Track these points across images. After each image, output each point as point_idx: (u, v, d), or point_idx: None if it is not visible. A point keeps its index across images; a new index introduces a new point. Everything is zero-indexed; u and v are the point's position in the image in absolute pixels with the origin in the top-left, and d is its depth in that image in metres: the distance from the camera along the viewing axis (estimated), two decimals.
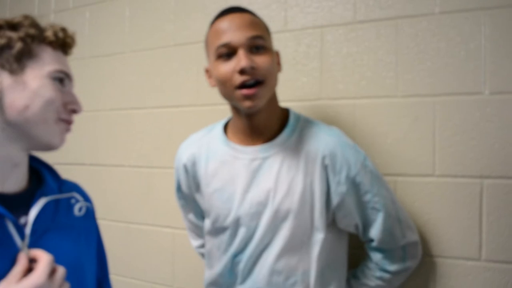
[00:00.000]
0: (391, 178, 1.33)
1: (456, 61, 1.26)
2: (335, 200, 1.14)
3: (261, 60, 1.08)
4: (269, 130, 1.18)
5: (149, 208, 1.79)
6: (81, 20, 1.98)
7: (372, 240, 1.19)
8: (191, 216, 1.40)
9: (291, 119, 1.20)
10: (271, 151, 1.16)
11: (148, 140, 1.79)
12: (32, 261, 0.76)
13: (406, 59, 1.32)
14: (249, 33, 1.08)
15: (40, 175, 0.92)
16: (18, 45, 0.82)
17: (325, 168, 1.14)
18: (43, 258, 0.75)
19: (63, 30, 0.90)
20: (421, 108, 1.30)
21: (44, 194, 0.87)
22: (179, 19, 1.72)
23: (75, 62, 1.99)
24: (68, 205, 0.94)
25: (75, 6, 2.01)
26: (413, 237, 1.21)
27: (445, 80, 1.28)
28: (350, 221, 1.17)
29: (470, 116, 1.25)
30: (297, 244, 1.14)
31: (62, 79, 0.87)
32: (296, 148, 1.16)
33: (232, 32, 1.08)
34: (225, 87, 1.10)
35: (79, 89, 1.95)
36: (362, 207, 1.16)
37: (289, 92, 1.47)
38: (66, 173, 1.99)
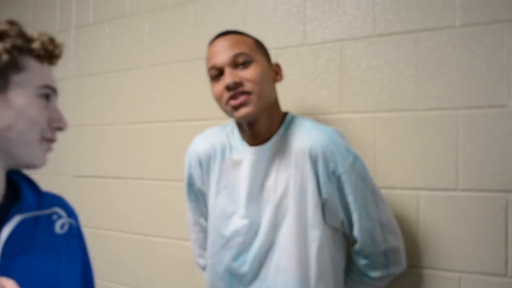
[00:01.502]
0: (413, 192, 1.32)
1: (478, 74, 1.25)
2: (324, 195, 1.17)
3: (246, 74, 1.15)
4: (270, 132, 1.23)
5: (168, 220, 1.79)
6: (101, 35, 2.01)
7: (356, 241, 1.21)
8: (203, 221, 1.39)
9: (287, 119, 1.25)
10: (269, 150, 1.21)
11: (167, 153, 1.80)
12: None
13: (427, 72, 1.31)
14: (231, 52, 1.16)
15: (18, 189, 0.85)
16: (4, 58, 0.75)
17: (314, 163, 1.16)
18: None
19: (52, 40, 0.83)
20: (442, 122, 1.29)
21: (20, 211, 0.80)
22: (198, 34, 1.73)
23: (95, 76, 2.04)
24: (48, 222, 0.87)
25: (95, 22, 2.04)
26: (395, 242, 1.22)
27: (467, 93, 1.26)
28: (335, 217, 1.20)
29: (493, 129, 1.23)
30: (295, 242, 1.17)
31: (48, 95, 0.82)
32: (288, 145, 1.20)
33: (218, 54, 1.18)
34: (220, 104, 1.20)
35: (99, 103, 2.00)
36: (345, 206, 1.18)
37: (308, 106, 1.47)
38: (85, 185, 2.02)
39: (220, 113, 1.67)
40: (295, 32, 1.51)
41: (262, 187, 1.21)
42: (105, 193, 1.97)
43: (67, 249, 0.89)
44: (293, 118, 1.25)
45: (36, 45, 0.80)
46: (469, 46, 1.27)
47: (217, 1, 1.69)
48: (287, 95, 1.47)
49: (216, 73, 1.18)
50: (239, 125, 1.25)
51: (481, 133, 1.25)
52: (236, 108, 1.14)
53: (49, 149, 0.84)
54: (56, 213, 0.89)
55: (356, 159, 1.18)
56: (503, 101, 1.22)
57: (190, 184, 1.36)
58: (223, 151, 1.28)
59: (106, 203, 1.96)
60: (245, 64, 1.16)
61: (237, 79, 1.14)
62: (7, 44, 0.76)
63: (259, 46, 1.23)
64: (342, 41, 1.44)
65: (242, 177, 1.23)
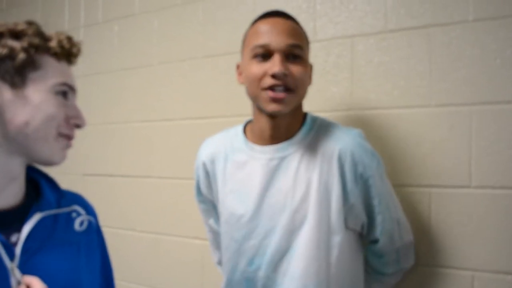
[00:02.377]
0: (425, 189, 1.30)
1: (492, 69, 1.23)
2: (350, 199, 1.13)
3: (295, 69, 1.09)
4: (289, 131, 1.17)
5: (177, 219, 1.79)
6: (110, 33, 2.01)
7: (374, 241, 1.19)
8: (212, 222, 1.38)
9: (308, 119, 1.20)
10: (288, 150, 1.15)
11: (176, 151, 1.80)
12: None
13: (440, 68, 1.30)
14: (289, 41, 1.08)
15: (39, 188, 0.88)
16: (21, 56, 0.77)
17: (341, 166, 1.12)
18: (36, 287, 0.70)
19: (69, 39, 0.85)
20: (456, 118, 1.27)
21: (40, 209, 0.82)
22: (207, 31, 1.73)
23: (105, 75, 2.04)
24: (68, 219, 0.89)
25: (104, 20, 2.04)
26: (408, 239, 1.24)
27: (481, 88, 1.25)
28: (357, 221, 1.17)
29: (507, 125, 1.21)
30: (315, 248, 1.11)
31: (65, 92, 0.83)
32: (313, 146, 1.15)
33: (272, 35, 1.08)
34: (253, 87, 1.11)
35: (109, 101, 2.00)
36: (369, 208, 1.15)
37: (320, 103, 1.45)
38: (95, 184, 2.02)
39: (228, 110, 1.68)
40: (305, 28, 1.47)
41: (276, 188, 1.14)
42: (113, 192, 1.97)
43: (86, 246, 0.91)
44: (315, 120, 1.20)
45: (53, 43, 0.82)
46: (482, 41, 1.25)
47: None
48: None
49: (262, 53, 1.09)
50: (256, 119, 1.18)
51: (495, 129, 1.23)
52: (274, 101, 1.08)
53: (67, 146, 0.85)
54: (75, 211, 0.92)
55: (379, 162, 1.16)
56: None
57: (198, 188, 1.35)
58: (226, 155, 1.23)
59: (115, 201, 1.95)
60: (296, 59, 1.09)
61: (287, 71, 1.07)
62: (24, 43, 0.78)
63: (308, 44, 1.17)
64: (353, 37, 1.42)
65: (253, 177, 1.17)
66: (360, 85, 1.40)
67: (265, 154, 1.17)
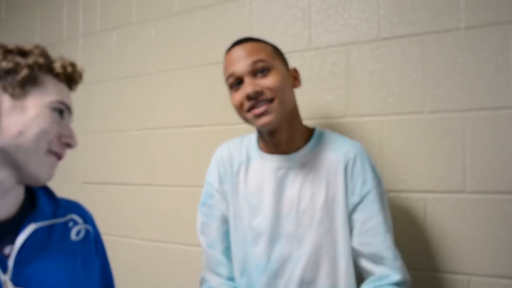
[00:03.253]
0: (421, 195, 1.32)
1: (485, 75, 1.25)
2: (349, 207, 1.15)
3: (265, 82, 1.13)
4: (292, 143, 1.20)
5: (176, 226, 1.80)
6: (109, 42, 2.03)
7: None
8: (216, 223, 1.31)
9: (315, 133, 1.23)
10: (295, 161, 1.20)
11: (175, 159, 1.81)
12: None
13: (433, 75, 1.32)
14: (249, 60, 1.14)
15: (35, 198, 0.89)
16: (24, 72, 0.82)
17: (346, 175, 1.16)
18: None
19: (72, 65, 0.90)
20: (450, 124, 1.29)
21: (34, 220, 0.84)
22: (205, 40, 1.74)
23: (103, 83, 2.05)
24: (64, 229, 0.90)
25: (102, 29, 2.06)
26: (397, 276, 1.11)
27: (474, 95, 1.26)
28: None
29: (500, 131, 1.23)
30: (322, 256, 1.14)
31: (62, 110, 0.86)
32: (319, 159, 1.19)
33: (236, 63, 1.16)
34: (240, 113, 1.18)
35: (107, 110, 2.01)
36: (364, 227, 1.13)
37: (315, 110, 1.47)
38: (94, 192, 2.03)
39: (227, 118, 1.69)
40: (301, 36, 1.52)
41: (282, 197, 1.19)
42: (113, 200, 1.98)
43: (83, 255, 0.92)
44: (322, 133, 1.24)
45: (56, 65, 0.88)
46: (474, 48, 1.27)
47: (223, 8, 1.70)
48: None
49: (235, 82, 1.16)
50: (260, 134, 1.25)
51: (488, 135, 1.24)
52: (258, 116, 1.13)
53: (54, 165, 0.86)
54: (72, 220, 0.93)
55: (380, 179, 1.18)
56: (509, 102, 1.22)
57: (216, 181, 1.33)
58: (240, 161, 1.27)
59: (114, 209, 1.96)
60: (264, 72, 1.14)
61: (257, 88, 1.12)
62: (29, 60, 0.84)
63: (277, 53, 1.21)
64: (347, 45, 1.44)
65: (264, 184, 1.21)
66: (355, 92, 1.42)
67: (273, 162, 1.22)
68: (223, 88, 1.67)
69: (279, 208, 1.18)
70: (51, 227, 0.87)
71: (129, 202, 1.92)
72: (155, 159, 1.87)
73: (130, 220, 1.92)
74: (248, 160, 1.27)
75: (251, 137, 1.31)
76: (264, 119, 1.13)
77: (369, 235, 1.13)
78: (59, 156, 0.86)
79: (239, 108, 1.17)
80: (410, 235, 1.32)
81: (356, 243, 1.14)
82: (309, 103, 1.48)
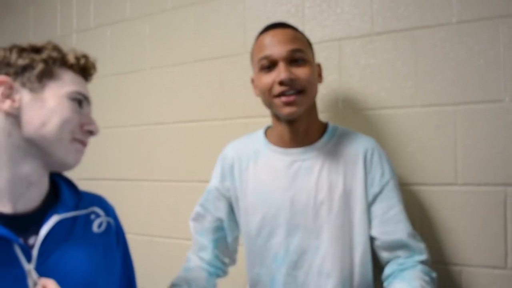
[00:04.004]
0: (413, 187, 1.34)
1: (476, 69, 1.27)
2: (369, 198, 1.17)
3: (300, 72, 1.14)
4: (308, 136, 1.22)
5: (173, 221, 1.81)
6: (103, 39, 2.03)
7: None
8: (210, 217, 1.34)
9: (330, 127, 1.25)
10: (311, 153, 1.21)
11: (171, 154, 1.82)
12: None
13: (425, 69, 1.33)
14: (289, 47, 1.14)
15: (58, 191, 0.93)
16: (40, 66, 0.85)
17: (366, 167, 1.18)
18: None
19: (85, 56, 0.93)
20: (441, 117, 1.31)
21: (58, 212, 0.87)
22: (198, 36, 1.75)
23: (97, 80, 2.04)
24: (86, 221, 0.94)
25: (96, 26, 2.06)
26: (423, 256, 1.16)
27: (465, 89, 1.28)
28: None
29: (491, 124, 1.25)
30: (340, 247, 1.15)
31: (80, 100, 0.90)
32: (336, 151, 1.20)
33: (273, 46, 1.15)
34: (266, 96, 1.17)
35: (102, 106, 2.01)
36: (385, 217, 1.16)
37: None
38: (90, 188, 2.02)
39: (220, 114, 1.70)
40: None
41: (299, 188, 1.19)
42: (110, 195, 1.95)
43: (104, 247, 0.95)
44: (336, 127, 1.26)
45: (69, 57, 0.91)
46: (466, 42, 1.28)
47: (217, 3, 1.71)
48: None
49: (268, 64, 1.15)
50: (275, 126, 1.24)
51: (479, 128, 1.26)
52: (287, 104, 1.13)
53: (82, 151, 0.90)
54: (94, 212, 0.96)
55: (395, 172, 1.21)
56: (500, 96, 1.24)
57: (220, 180, 1.34)
58: (248, 157, 1.27)
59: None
60: (300, 62, 1.15)
61: (293, 76, 1.12)
62: (43, 55, 0.87)
63: (310, 46, 1.22)
64: (340, 40, 1.45)
65: (276, 178, 1.22)
66: (348, 87, 1.44)
67: (288, 155, 1.22)
68: (218, 83, 1.68)
69: (295, 200, 1.19)
70: (74, 219, 0.90)
71: (125, 197, 1.93)
72: (151, 155, 1.88)
73: (126, 215, 1.92)
74: (256, 155, 1.27)
75: (258, 133, 1.32)
76: (292, 109, 1.13)
77: (392, 223, 1.16)
78: (83, 143, 0.90)
79: (267, 92, 1.16)
80: None
81: (377, 232, 1.16)
82: None
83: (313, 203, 1.17)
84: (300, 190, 1.19)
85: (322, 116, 1.45)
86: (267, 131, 1.31)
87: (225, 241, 1.34)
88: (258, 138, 1.31)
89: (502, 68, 1.24)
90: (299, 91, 1.13)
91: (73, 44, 2.12)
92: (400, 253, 1.16)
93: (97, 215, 0.97)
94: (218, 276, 1.34)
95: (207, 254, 1.33)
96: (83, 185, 2.06)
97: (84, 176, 2.08)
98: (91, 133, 0.91)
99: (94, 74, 0.98)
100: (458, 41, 1.29)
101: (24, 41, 0.90)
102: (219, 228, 1.33)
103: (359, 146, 1.20)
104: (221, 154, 1.35)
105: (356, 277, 1.16)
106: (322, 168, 1.19)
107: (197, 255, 1.34)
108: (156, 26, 1.87)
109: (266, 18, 1.58)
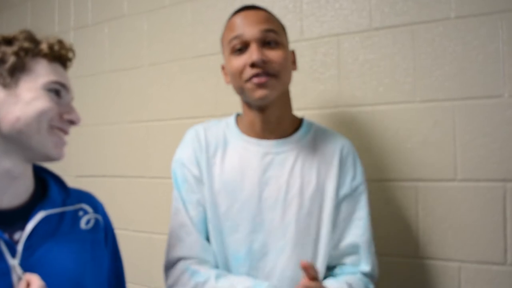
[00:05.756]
0: (412, 183, 1.33)
1: (474, 65, 1.26)
2: (338, 198, 1.13)
3: (273, 55, 1.08)
4: (281, 128, 1.16)
5: (170, 218, 1.80)
6: (101, 36, 2.02)
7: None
8: (193, 211, 1.18)
9: (305, 122, 1.21)
10: (285, 146, 1.15)
11: (168, 151, 1.81)
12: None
13: (424, 64, 1.32)
14: (262, 27, 1.09)
15: (46, 187, 0.91)
16: (12, 59, 0.82)
17: (341, 166, 1.14)
18: (34, 284, 0.73)
19: (59, 42, 0.89)
20: (440, 113, 1.30)
21: (44, 208, 0.86)
22: (196, 32, 1.74)
23: (95, 77, 2.05)
24: (74, 217, 0.92)
25: (94, 23, 2.05)
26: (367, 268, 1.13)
27: (464, 84, 1.27)
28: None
29: (490, 120, 1.24)
30: (304, 250, 1.10)
31: (58, 90, 0.86)
32: (311, 146, 1.16)
33: (245, 26, 1.09)
34: (237, 81, 1.11)
35: (100, 102, 2.01)
36: (347, 219, 1.14)
37: (307, 101, 1.48)
38: (88, 185, 2.03)
39: (218, 110, 1.70)
40: (292, 27, 1.52)
41: (268, 184, 1.12)
42: (107, 192, 1.98)
43: (92, 244, 0.93)
44: (311, 123, 1.21)
45: (43, 46, 0.87)
46: (465, 37, 1.28)
47: None
48: None
49: (239, 46, 1.09)
50: (246, 114, 1.17)
51: (478, 124, 1.26)
52: (259, 86, 1.07)
53: (62, 142, 0.87)
54: (82, 209, 0.95)
55: (365, 178, 1.19)
56: (499, 92, 1.23)
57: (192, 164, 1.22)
58: (217, 144, 1.18)
59: (108, 201, 1.93)
60: (272, 45, 1.09)
61: (265, 58, 1.06)
62: (14, 47, 0.84)
63: (284, 30, 1.17)
64: (339, 35, 1.44)
65: (246, 169, 1.13)
66: (346, 82, 1.43)
67: (260, 147, 1.15)
68: (216, 80, 1.67)
69: (263, 196, 1.11)
70: (61, 215, 0.89)
71: (123, 194, 1.93)
72: (149, 152, 1.87)
73: (124, 212, 1.93)
74: (225, 143, 1.18)
75: (229, 120, 1.23)
76: (263, 92, 1.07)
77: (352, 226, 1.13)
78: (63, 131, 0.87)
79: (238, 75, 1.09)
80: (402, 223, 1.33)
81: (335, 232, 1.13)
82: (301, 93, 1.48)
83: (283, 199, 1.11)
84: (270, 185, 1.12)
85: (320, 113, 1.45)
86: (238, 119, 1.23)
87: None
88: (228, 125, 1.22)
89: (501, 63, 1.23)
90: (272, 75, 1.07)
91: (71, 41, 2.11)
92: (348, 259, 1.14)
93: (85, 212, 0.95)
94: None
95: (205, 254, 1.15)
96: (81, 182, 2.07)
97: (82, 173, 2.08)
98: (71, 122, 0.88)
99: (73, 58, 0.94)
100: (456, 36, 1.29)
101: None
102: (204, 220, 1.17)
103: (336, 145, 1.16)
104: (191, 133, 1.22)
105: (321, 269, 1.11)
106: (296, 163, 1.13)
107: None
108: (154, 22, 1.87)
109: None
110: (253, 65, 1.06)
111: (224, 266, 1.14)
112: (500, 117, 1.23)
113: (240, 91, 1.12)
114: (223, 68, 1.21)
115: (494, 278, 1.23)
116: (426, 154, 1.32)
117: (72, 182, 2.09)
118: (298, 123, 1.21)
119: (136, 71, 1.91)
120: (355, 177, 1.15)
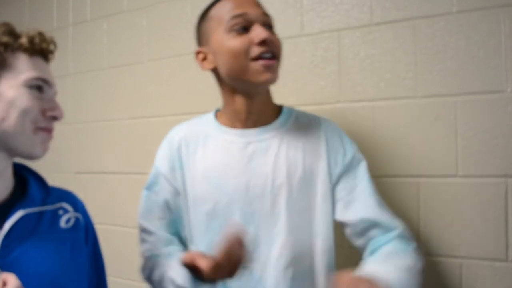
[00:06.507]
0: (413, 179, 1.32)
1: (476, 60, 1.25)
2: (333, 179, 1.11)
3: (275, 37, 1.08)
4: (264, 116, 1.14)
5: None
6: (99, 31, 2.01)
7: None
8: (159, 212, 1.21)
9: (285, 109, 1.19)
10: (267, 134, 1.13)
11: None
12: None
13: (425, 60, 1.31)
14: (262, 10, 1.08)
15: (26, 185, 0.89)
16: None
17: (328, 148, 1.12)
18: (10, 284, 0.70)
19: (40, 34, 0.86)
20: (441, 108, 1.29)
21: (23, 207, 0.84)
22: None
23: (94, 73, 2.04)
24: (54, 216, 0.91)
25: (92, 18, 2.04)
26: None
27: (466, 79, 1.27)
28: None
29: (492, 115, 1.23)
30: (299, 235, 1.07)
31: (40, 86, 0.84)
32: (294, 132, 1.14)
33: (247, 6, 1.06)
34: (239, 60, 1.04)
35: (100, 99, 2.00)
36: (349, 197, 1.10)
37: (308, 96, 1.47)
38: (86, 182, 2.03)
39: (218, 106, 1.68)
40: (293, 22, 1.51)
41: (254, 173, 1.09)
42: (106, 189, 1.98)
43: (71, 243, 0.92)
44: (292, 110, 1.19)
45: (23, 40, 0.84)
46: (466, 32, 1.27)
47: None
48: (286, 86, 1.47)
49: (243, 24, 1.04)
50: (230, 103, 1.14)
51: (480, 119, 1.25)
52: (267, 69, 1.03)
53: (47, 139, 0.86)
54: (62, 208, 0.93)
55: (357, 148, 1.16)
56: (501, 87, 1.22)
57: (160, 175, 1.23)
58: (198, 140, 1.17)
59: (107, 198, 1.96)
60: (271, 30, 1.08)
61: (272, 38, 1.04)
62: None
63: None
64: (339, 30, 1.43)
65: (229, 162, 1.11)
66: (347, 78, 1.42)
67: (242, 137, 1.13)
68: None
69: (251, 185, 1.09)
70: (40, 214, 0.87)
71: (122, 191, 1.92)
72: (148, 148, 1.86)
73: (123, 209, 1.92)
74: (206, 138, 1.16)
75: (207, 115, 1.22)
76: (270, 75, 1.04)
77: (356, 202, 1.09)
78: (48, 130, 0.86)
79: (242, 53, 1.03)
80: (403, 219, 1.32)
81: (343, 214, 1.09)
82: (301, 89, 1.47)
83: (271, 187, 1.08)
84: (256, 174, 1.09)
85: (321, 108, 1.44)
86: (217, 114, 1.22)
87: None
88: (207, 120, 1.20)
89: (503, 58, 1.22)
90: (276, 58, 1.06)
91: (69, 37, 2.10)
92: (372, 233, 1.08)
93: (66, 211, 0.93)
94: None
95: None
96: (80, 179, 2.06)
97: (81, 169, 2.07)
98: (54, 118, 0.86)
99: (56, 51, 0.90)
100: (458, 31, 1.28)
101: None
102: (171, 223, 1.20)
103: (319, 127, 1.15)
104: (167, 137, 1.23)
105: (318, 266, 1.08)
106: (280, 149, 1.11)
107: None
108: (153, 18, 1.85)
109: None
110: (262, 42, 1.02)
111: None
112: (502, 112, 1.22)
113: (240, 72, 1.06)
114: (198, 53, 1.15)
115: (495, 275, 1.22)
116: (428, 150, 1.31)
117: (71, 178, 2.10)
118: (278, 111, 1.19)
119: (135, 67, 1.90)
120: (345, 153, 1.12)
